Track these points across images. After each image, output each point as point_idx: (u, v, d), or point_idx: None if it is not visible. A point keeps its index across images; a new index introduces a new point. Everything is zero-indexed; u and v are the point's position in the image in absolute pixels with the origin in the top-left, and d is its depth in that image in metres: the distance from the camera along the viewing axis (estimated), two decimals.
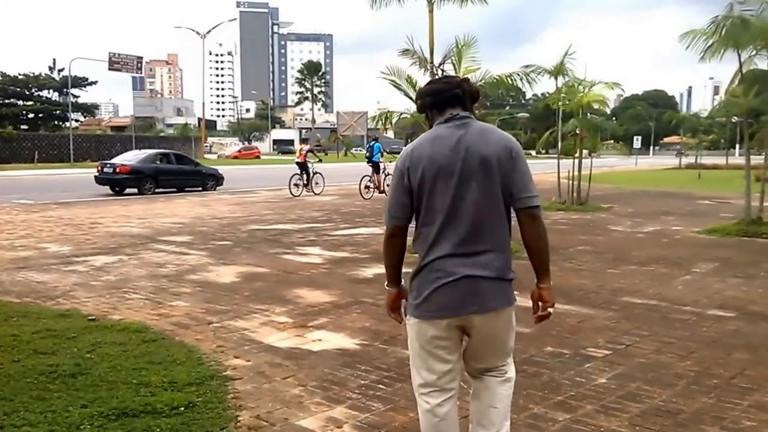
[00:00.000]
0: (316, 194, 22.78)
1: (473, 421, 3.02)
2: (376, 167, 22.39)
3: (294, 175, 22.75)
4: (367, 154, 23.08)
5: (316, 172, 23.42)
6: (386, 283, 3.01)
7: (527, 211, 2.75)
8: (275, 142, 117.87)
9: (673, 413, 3.99)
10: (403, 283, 3.00)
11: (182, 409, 3.89)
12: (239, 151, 78.09)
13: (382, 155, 22.79)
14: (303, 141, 24.78)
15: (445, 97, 2.83)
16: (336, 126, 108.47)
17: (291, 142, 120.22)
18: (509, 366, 3.02)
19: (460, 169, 2.70)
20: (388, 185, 18.09)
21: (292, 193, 22.17)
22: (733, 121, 52.97)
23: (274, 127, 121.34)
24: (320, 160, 24.86)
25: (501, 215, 2.77)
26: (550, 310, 2.92)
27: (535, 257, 2.89)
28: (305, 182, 22.84)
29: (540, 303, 2.93)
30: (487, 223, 2.73)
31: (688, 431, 3.75)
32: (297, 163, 23.31)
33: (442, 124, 2.80)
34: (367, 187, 21.95)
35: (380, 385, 4.43)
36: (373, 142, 23.08)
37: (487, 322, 2.79)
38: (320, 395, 4.24)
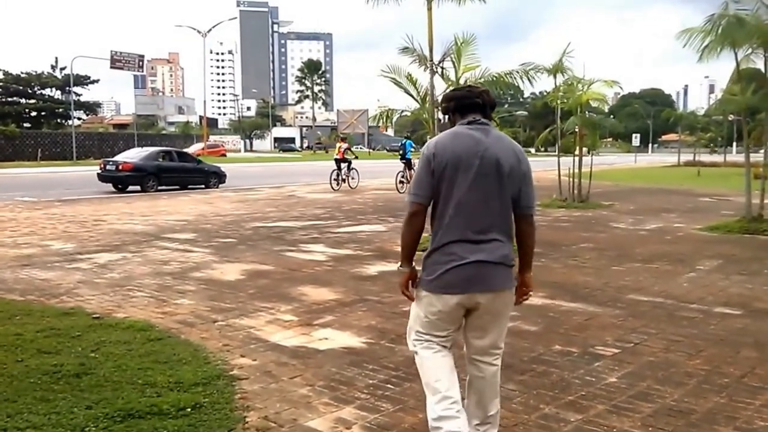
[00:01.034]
0: (352, 188, 24.60)
1: (470, 402, 3.33)
2: (408, 163, 23.77)
3: (333, 170, 24.65)
4: (401, 152, 24.58)
5: (352, 168, 25.20)
6: (400, 264, 3.28)
7: (527, 218, 3.22)
8: (276, 140, 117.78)
9: (685, 413, 3.95)
10: (414, 265, 3.27)
11: (189, 410, 3.83)
12: (202, 149, 66.48)
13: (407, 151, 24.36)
14: (342, 139, 27.21)
15: (467, 103, 3.21)
16: (336, 124, 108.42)
17: (292, 140, 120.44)
18: (499, 357, 3.34)
19: (478, 166, 3.06)
20: None
21: (332, 187, 23.99)
22: (730, 119, 52.99)
23: (274, 125, 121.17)
24: (356, 157, 26.48)
25: (507, 210, 3.15)
26: (530, 295, 3.46)
27: (523, 252, 3.33)
28: (343, 177, 24.79)
29: (523, 289, 3.37)
30: (495, 215, 3.10)
31: (702, 431, 3.71)
32: (336, 160, 25.10)
33: (464, 126, 3.17)
34: (401, 182, 23.28)
35: (388, 385, 4.39)
36: (405, 140, 24.60)
37: (491, 300, 3.13)
38: (328, 395, 4.19)
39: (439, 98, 3.36)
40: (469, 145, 3.08)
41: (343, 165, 24.84)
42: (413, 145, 24.17)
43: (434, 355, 3.19)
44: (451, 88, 3.30)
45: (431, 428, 3.11)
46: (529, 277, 3.38)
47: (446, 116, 3.36)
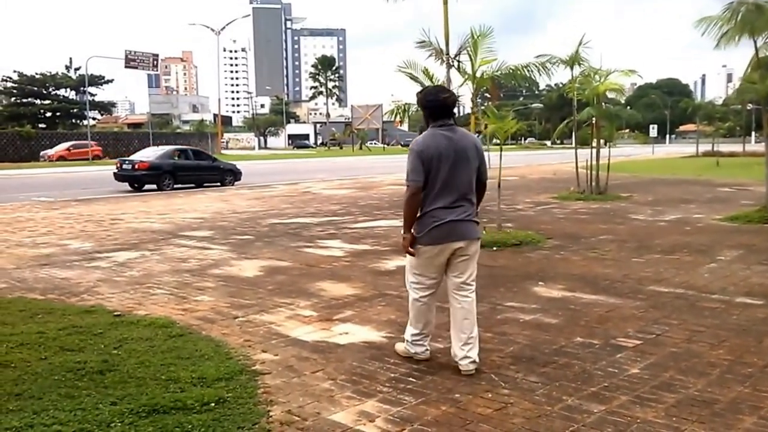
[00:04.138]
0: None
1: (454, 329, 4.57)
2: None
3: None
4: None
5: None
6: (403, 231, 4.50)
7: (483, 184, 4.64)
8: (290, 137, 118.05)
9: (709, 403, 3.92)
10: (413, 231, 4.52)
11: (213, 404, 3.86)
12: (68, 149, 53.28)
13: None
14: None
15: (439, 111, 4.47)
16: (350, 119, 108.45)
17: (306, 137, 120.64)
18: (473, 292, 4.61)
19: (453, 158, 4.36)
20: None
21: None
22: (749, 108, 52.39)
23: (288, 122, 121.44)
24: None
25: (472, 184, 4.49)
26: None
27: (477, 202, 4.66)
28: None
29: None
30: (466, 189, 4.45)
31: (726, 421, 3.67)
32: None
33: (438, 128, 4.44)
34: None
35: (410, 378, 4.39)
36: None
37: (464, 246, 4.44)
38: (350, 389, 4.20)
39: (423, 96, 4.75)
40: (446, 143, 4.37)
41: None
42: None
43: (422, 302, 4.58)
44: (423, 90, 4.78)
45: (405, 343, 4.75)
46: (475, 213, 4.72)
47: (422, 112, 4.58)
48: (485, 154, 4.60)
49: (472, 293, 4.57)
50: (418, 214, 4.40)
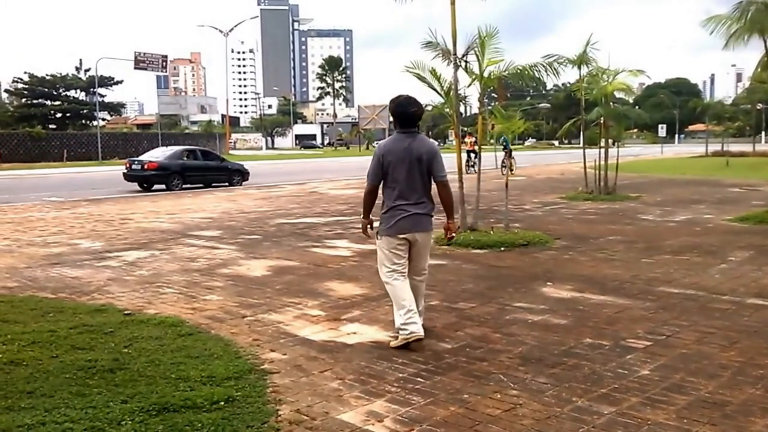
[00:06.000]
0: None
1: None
2: (509, 153, 28.24)
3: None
4: (504, 144, 28.95)
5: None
6: (362, 216, 5.45)
7: (440, 182, 5.24)
8: (297, 137, 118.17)
9: (720, 405, 3.90)
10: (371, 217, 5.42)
11: (222, 403, 3.87)
12: None
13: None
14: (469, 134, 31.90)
15: (405, 118, 5.18)
16: (357, 120, 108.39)
17: (313, 137, 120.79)
18: (425, 276, 5.44)
19: (409, 160, 5.07)
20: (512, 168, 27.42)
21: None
22: (758, 107, 52.11)
23: (296, 123, 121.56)
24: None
25: (428, 183, 5.19)
26: (454, 235, 5.47)
27: (445, 206, 5.35)
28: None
29: (448, 231, 5.39)
30: (421, 187, 5.14)
31: (738, 423, 3.65)
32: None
33: (401, 134, 5.19)
34: (503, 166, 27.80)
35: (418, 378, 4.39)
36: (505, 137, 27.21)
37: (421, 237, 5.18)
38: (359, 389, 4.20)
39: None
40: (403, 147, 5.11)
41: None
42: (510, 141, 27.07)
43: (399, 282, 5.13)
44: (396, 100, 5.32)
45: (400, 329, 5.05)
46: (452, 222, 5.38)
47: (389, 119, 5.01)
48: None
49: (425, 275, 5.42)
50: (384, 209, 5.18)
